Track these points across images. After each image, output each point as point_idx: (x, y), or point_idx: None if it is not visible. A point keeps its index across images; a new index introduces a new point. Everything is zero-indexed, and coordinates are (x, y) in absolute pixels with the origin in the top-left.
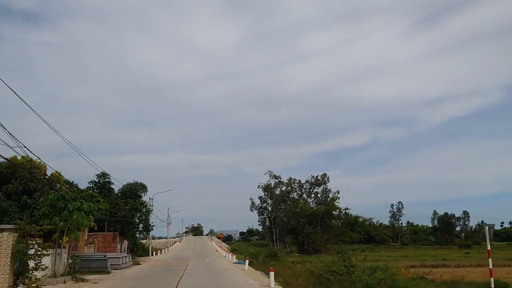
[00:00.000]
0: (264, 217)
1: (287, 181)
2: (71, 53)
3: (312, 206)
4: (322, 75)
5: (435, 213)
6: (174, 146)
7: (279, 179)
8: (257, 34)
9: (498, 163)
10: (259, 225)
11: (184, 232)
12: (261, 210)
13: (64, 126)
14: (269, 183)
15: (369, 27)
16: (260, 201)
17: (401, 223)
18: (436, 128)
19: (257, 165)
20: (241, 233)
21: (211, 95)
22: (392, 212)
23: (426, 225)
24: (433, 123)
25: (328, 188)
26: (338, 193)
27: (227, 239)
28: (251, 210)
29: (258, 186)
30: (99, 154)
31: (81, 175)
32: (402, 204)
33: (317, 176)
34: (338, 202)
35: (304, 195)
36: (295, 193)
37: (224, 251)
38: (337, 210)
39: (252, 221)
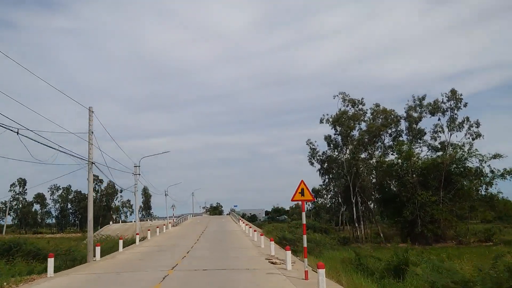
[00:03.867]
0: (330, 177)
1: (372, 108)
2: (88, 38)
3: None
4: (339, 53)
5: None
6: (192, 128)
7: (360, 105)
8: (273, 13)
9: None
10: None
11: (204, 212)
12: (325, 161)
13: (83, 112)
14: (344, 110)
15: (387, 2)
16: (329, 144)
17: None
18: None
19: (274, 146)
20: (267, 212)
21: (227, 77)
22: None
23: None
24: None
25: (459, 117)
26: (477, 126)
27: (251, 219)
28: (311, 163)
29: (321, 120)
30: (117, 139)
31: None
32: None
33: (435, 101)
34: (474, 152)
35: (405, 137)
36: (389, 132)
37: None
38: (481, 163)
39: (278, 199)
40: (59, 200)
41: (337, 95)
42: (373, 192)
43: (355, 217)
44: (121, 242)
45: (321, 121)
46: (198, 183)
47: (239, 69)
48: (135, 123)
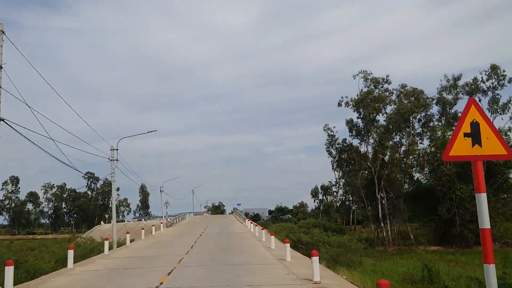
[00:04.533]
0: (349, 169)
1: (398, 89)
2: (91, 37)
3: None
4: (342, 51)
5: None
6: (194, 128)
7: (385, 84)
8: (275, 11)
9: None
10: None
11: (206, 211)
12: (345, 150)
13: (87, 111)
14: (368, 90)
15: (389, 0)
16: (351, 129)
17: None
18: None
19: (277, 145)
20: (270, 212)
21: (230, 75)
22: None
23: None
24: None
25: (503, 97)
26: None
27: (254, 218)
28: (328, 152)
29: (339, 103)
30: (120, 138)
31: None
32: None
33: (474, 80)
34: None
35: (436, 122)
36: (417, 118)
37: None
38: None
39: (281, 198)
40: (53, 199)
41: (357, 74)
42: (401, 186)
43: (380, 215)
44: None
45: (339, 104)
46: (200, 182)
47: (242, 68)
48: (138, 123)
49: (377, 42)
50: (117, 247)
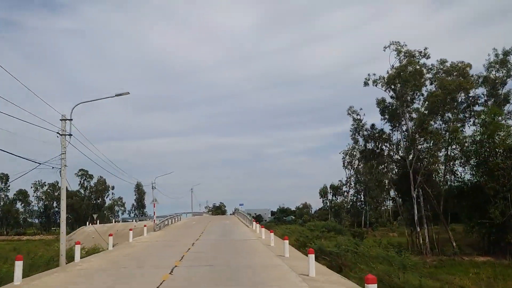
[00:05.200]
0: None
1: (436, 66)
2: (92, 39)
3: None
4: (343, 54)
5: None
6: (195, 129)
7: (423, 58)
8: (276, 14)
9: None
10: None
11: (206, 211)
12: (375, 138)
13: (87, 112)
14: (406, 62)
15: (391, 2)
16: (383, 111)
17: None
18: None
19: (278, 147)
20: (272, 213)
21: (231, 78)
22: None
23: None
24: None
25: None
26: None
27: (256, 220)
28: (354, 140)
29: (366, 81)
30: (120, 139)
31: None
32: None
33: None
34: None
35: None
36: (459, 100)
37: None
38: None
39: (283, 200)
40: (43, 197)
41: (388, 46)
42: (442, 183)
43: (416, 217)
44: None
45: (365, 83)
46: (201, 183)
47: (243, 70)
48: (138, 124)
49: (379, 44)
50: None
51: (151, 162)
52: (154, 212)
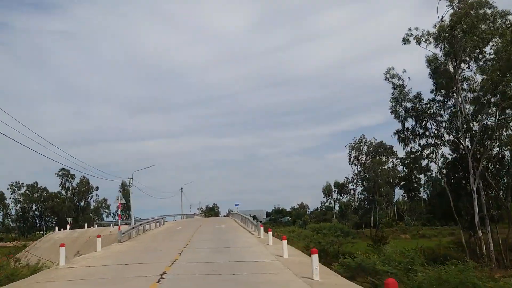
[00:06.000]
0: (421, 143)
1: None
2: (83, 40)
3: None
4: (337, 53)
5: None
6: (188, 130)
7: (485, 7)
8: (269, 14)
9: None
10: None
11: (198, 213)
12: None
13: (79, 114)
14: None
15: (384, 2)
16: (433, 71)
17: None
18: None
19: (272, 147)
20: (268, 214)
21: (224, 78)
22: None
23: None
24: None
25: None
26: None
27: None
28: (395, 115)
29: (405, 39)
30: (114, 141)
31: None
32: None
33: None
34: None
35: None
36: None
37: None
38: None
39: (277, 200)
40: (21, 199)
41: None
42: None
43: (477, 218)
44: None
45: (405, 41)
46: (194, 184)
47: (236, 70)
48: (131, 126)
49: (374, 43)
50: None
51: (143, 164)
52: (120, 216)
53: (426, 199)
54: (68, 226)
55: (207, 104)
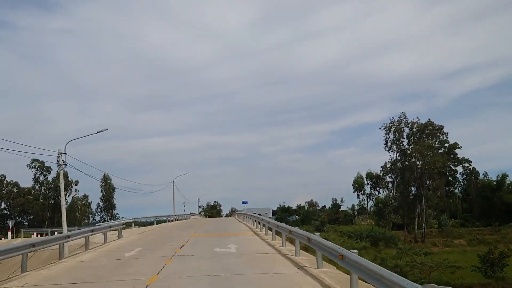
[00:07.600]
0: None
1: None
2: (86, 38)
3: None
4: (338, 51)
5: None
6: (191, 128)
7: None
8: (271, 11)
9: None
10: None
11: (198, 211)
12: None
13: (82, 112)
14: None
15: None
16: None
17: None
18: (456, 101)
19: (274, 145)
20: (273, 212)
21: (226, 76)
22: None
23: None
24: (453, 96)
25: None
26: None
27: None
28: None
29: None
30: (116, 139)
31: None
32: None
33: None
34: None
35: None
36: None
37: None
38: None
39: (281, 198)
40: None
41: None
42: None
43: None
44: None
45: None
46: (196, 183)
47: (238, 68)
48: (134, 123)
49: (373, 41)
50: None
51: (145, 162)
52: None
53: (460, 195)
54: (9, 232)
55: (210, 102)
